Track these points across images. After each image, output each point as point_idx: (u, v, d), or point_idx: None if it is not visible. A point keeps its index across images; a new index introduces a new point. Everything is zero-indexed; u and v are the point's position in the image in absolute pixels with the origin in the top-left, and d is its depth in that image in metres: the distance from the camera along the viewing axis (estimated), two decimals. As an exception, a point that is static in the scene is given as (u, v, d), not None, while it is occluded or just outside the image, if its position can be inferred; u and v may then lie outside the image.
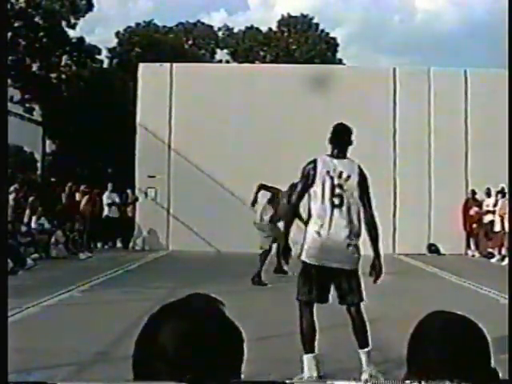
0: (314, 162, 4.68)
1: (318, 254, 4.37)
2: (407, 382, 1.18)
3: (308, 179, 4.55)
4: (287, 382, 0.97)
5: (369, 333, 4.56)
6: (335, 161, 4.71)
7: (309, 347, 4.39)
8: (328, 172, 4.51)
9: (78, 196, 15.62)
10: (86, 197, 15.43)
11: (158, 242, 15.66)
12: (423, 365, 1.16)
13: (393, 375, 4.18)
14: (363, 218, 4.51)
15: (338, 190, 4.43)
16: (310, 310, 4.58)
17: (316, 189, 4.46)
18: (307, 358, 4.35)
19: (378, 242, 4.68)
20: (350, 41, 49.48)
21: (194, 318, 1.02)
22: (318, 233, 4.38)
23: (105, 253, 14.84)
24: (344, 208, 4.38)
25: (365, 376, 4.23)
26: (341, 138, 5.04)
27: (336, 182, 4.45)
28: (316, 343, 4.44)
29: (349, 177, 4.53)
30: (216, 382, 0.98)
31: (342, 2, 51.73)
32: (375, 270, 4.66)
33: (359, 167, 4.70)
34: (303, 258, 4.51)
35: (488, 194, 14.76)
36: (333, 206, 4.38)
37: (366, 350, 4.40)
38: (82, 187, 15.68)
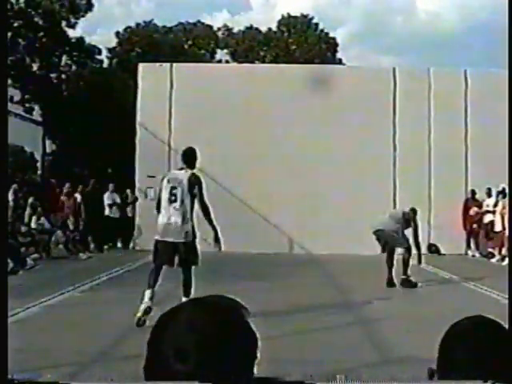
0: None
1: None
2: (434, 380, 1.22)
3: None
4: (286, 382, 0.97)
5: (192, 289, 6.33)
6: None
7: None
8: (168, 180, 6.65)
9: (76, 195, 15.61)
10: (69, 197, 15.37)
11: (157, 242, 15.64)
12: (455, 365, 1.20)
13: (393, 375, 4.17)
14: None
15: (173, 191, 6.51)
16: (158, 271, 6.51)
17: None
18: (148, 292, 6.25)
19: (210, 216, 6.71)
20: (351, 41, 49.45)
21: (212, 319, 1.01)
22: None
23: (105, 253, 14.84)
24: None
25: None
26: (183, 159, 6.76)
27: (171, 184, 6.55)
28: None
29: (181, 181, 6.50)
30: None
31: (344, 3, 51.73)
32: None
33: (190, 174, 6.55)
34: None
35: (488, 195, 14.76)
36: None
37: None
38: (66, 186, 15.47)
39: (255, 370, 1.05)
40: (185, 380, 0.95)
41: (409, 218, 9.88)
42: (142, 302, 6.15)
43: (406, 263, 9.60)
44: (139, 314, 5.98)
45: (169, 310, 1.05)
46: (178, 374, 0.96)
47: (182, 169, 6.67)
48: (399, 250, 9.74)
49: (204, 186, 6.63)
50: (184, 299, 5.46)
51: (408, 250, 9.62)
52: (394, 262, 9.70)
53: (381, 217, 10.08)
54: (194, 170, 6.63)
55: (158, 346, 1.00)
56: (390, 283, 9.49)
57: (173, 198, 6.51)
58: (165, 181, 6.65)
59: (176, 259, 6.46)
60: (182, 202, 6.49)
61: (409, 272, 9.57)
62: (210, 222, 6.74)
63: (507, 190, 13.72)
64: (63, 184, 16.05)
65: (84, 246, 14.47)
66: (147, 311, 6.03)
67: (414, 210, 10.09)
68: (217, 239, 6.75)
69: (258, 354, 1.05)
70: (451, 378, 1.17)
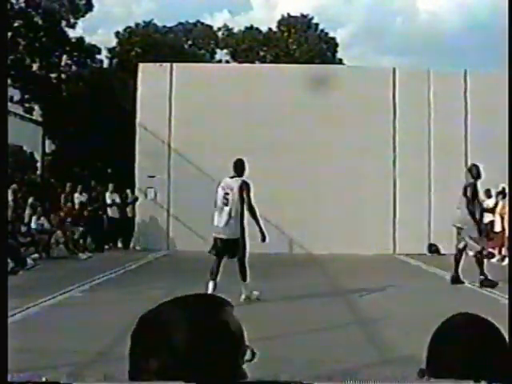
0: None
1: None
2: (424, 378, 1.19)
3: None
4: (286, 382, 0.96)
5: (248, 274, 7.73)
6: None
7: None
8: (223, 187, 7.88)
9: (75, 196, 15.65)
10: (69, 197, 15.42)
11: (158, 242, 15.64)
12: (444, 364, 1.18)
13: (393, 375, 4.17)
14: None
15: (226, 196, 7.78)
16: (218, 264, 7.83)
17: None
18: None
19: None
20: (352, 41, 49.40)
21: (195, 316, 1.01)
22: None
23: (105, 253, 14.84)
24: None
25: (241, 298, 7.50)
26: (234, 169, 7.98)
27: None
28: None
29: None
30: (217, 382, 0.98)
31: (345, 3, 51.67)
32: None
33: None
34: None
35: (488, 195, 14.73)
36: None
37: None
38: (67, 186, 15.51)
39: (246, 367, 1.04)
40: (167, 379, 0.95)
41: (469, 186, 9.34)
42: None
43: (480, 262, 9.45)
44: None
45: (148, 311, 1.05)
46: (153, 374, 0.96)
47: (232, 177, 7.90)
48: (470, 252, 9.58)
49: (252, 191, 7.82)
50: (242, 283, 7.72)
51: (480, 249, 9.47)
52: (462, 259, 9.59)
53: (458, 211, 9.68)
54: (243, 178, 7.86)
55: (134, 347, 1.01)
56: (456, 280, 9.38)
57: (225, 201, 7.76)
58: (219, 187, 7.93)
59: (228, 253, 7.86)
60: (233, 205, 7.72)
61: (485, 271, 9.41)
62: (257, 221, 7.80)
63: (507, 190, 13.72)
64: (63, 184, 16.06)
65: (84, 246, 14.50)
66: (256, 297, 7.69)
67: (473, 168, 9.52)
68: (262, 233, 7.77)
69: (250, 351, 1.04)
70: (441, 376, 1.16)
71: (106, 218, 15.94)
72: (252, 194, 7.81)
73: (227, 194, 7.79)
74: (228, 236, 7.75)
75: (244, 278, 7.77)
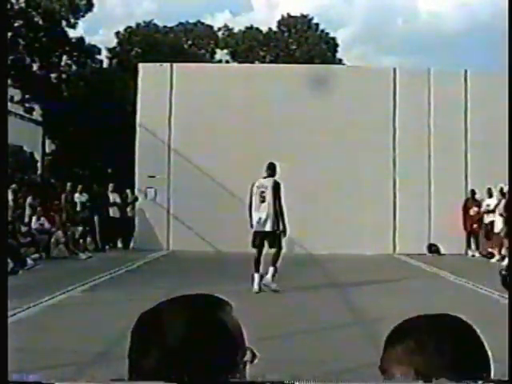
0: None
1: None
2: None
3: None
4: (285, 382, 0.96)
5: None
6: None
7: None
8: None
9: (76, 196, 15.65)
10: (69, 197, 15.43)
11: (158, 242, 15.64)
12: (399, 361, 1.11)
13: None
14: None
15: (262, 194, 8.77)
16: (259, 256, 8.79)
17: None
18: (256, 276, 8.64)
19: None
20: (353, 41, 49.42)
21: (193, 316, 1.01)
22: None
23: (105, 253, 14.84)
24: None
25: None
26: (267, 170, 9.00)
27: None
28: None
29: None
30: (214, 382, 0.98)
31: (346, 3, 51.68)
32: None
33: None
34: None
35: (489, 194, 14.74)
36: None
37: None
38: (68, 185, 15.54)
39: (248, 368, 1.04)
40: (165, 379, 0.95)
41: None
42: (254, 284, 8.62)
43: None
44: (256, 290, 8.56)
45: (147, 310, 1.04)
46: (152, 373, 0.96)
47: (265, 177, 8.88)
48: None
49: (282, 190, 8.84)
50: (271, 268, 8.71)
51: None
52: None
53: None
54: (275, 178, 8.88)
55: (133, 346, 1.01)
56: None
57: (262, 199, 8.74)
58: (254, 187, 8.88)
59: (266, 244, 8.82)
60: (269, 201, 8.70)
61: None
62: (283, 217, 8.76)
63: (505, 190, 13.72)
64: (63, 184, 16.06)
65: (84, 246, 14.50)
66: (261, 288, 8.61)
67: None
68: (284, 228, 8.76)
69: (250, 353, 1.04)
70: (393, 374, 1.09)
71: (106, 218, 15.93)
72: (282, 193, 8.87)
73: (263, 192, 8.77)
74: (267, 229, 8.70)
75: (274, 263, 8.74)
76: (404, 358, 1.07)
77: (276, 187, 8.76)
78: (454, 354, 1.03)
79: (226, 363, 1.00)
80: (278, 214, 8.70)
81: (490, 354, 1.08)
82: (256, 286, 8.61)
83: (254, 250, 8.87)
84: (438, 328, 1.11)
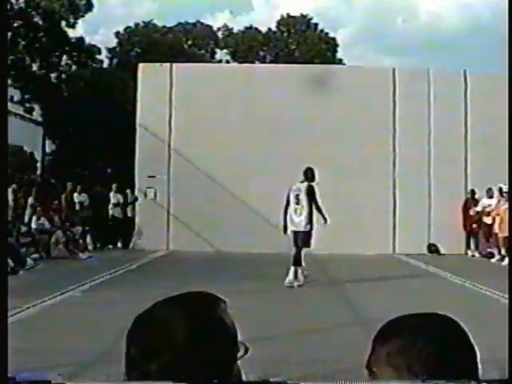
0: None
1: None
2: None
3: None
4: (288, 382, 0.96)
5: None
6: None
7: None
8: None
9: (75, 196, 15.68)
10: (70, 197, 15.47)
11: (158, 242, 15.63)
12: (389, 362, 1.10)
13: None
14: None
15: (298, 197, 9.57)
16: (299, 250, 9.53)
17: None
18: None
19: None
20: (353, 42, 49.34)
21: (187, 314, 1.01)
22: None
23: (105, 253, 14.84)
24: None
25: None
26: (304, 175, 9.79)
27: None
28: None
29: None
30: (209, 381, 0.98)
31: (346, 4, 51.66)
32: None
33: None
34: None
35: (489, 195, 14.73)
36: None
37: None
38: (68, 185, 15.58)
39: (242, 368, 1.04)
40: (163, 378, 0.95)
41: None
42: (296, 278, 9.33)
43: None
44: (300, 283, 9.27)
45: (143, 311, 1.04)
46: (152, 374, 0.96)
47: (302, 182, 9.67)
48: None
49: (317, 193, 9.63)
50: (292, 267, 9.35)
51: None
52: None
53: None
54: (310, 183, 9.62)
55: (131, 347, 1.01)
56: None
57: (297, 201, 9.51)
58: (291, 191, 9.66)
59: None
60: (303, 204, 9.47)
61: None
62: (322, 214, 9.62)
63: (504, 189, 13.71)
64: (63, 184, 16.06)
65: (84, 246, 14.50)
66: (307, 281, 9.37)
67: None
68: (324, 218, 9.63)
69: (243, 349, 1.04)
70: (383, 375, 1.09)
71: (105, 218, 15.95)
72: (318, 195, 9.63)
73: (298, 195, 9.54)
74: (300, 229, 9.48)
75: (295, 264, 9.43)
76: (390, 358, 1.07)
77: (309, 190, 9.52)
78: (441, 353, 1.03)
79: (224, 360, 1.00)
80: (311, 215, 9.47)
81: (478, 353, 1.06)
82: (302, 279, 9.37)
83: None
84: (425, 327, 1.11)
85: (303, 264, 9.52)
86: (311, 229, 9.54)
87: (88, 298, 8.05)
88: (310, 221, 9.49)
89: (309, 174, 9.78)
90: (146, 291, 8.11)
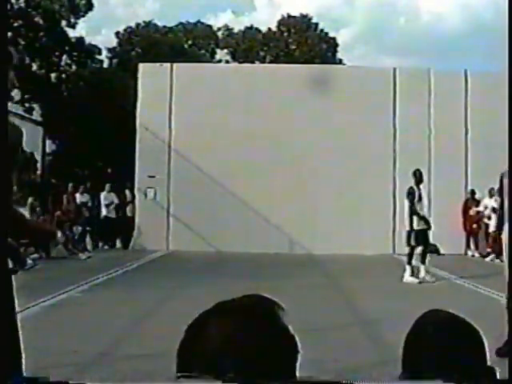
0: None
1: None
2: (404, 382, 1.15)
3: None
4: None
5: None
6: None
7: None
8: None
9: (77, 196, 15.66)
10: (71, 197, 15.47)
11: (158, 242, 15.63)
12: (418, 365, 1.14)
13: (392, 375, 4.17)
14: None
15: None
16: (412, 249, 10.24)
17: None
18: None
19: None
20: (355, 42, 49.38)
21: (243, 319, 0.99)
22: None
23: (105, 253, 14.84)
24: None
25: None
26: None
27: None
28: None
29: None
30: None
31: (347, 4, 51.68)
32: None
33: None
34: None
35: (490, 195, 14.71)
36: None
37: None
38: (69, 186, 15.60)
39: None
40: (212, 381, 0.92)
41: None
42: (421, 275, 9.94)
43: None
44: (419, 280, 9.76)
45: (196, 319, 1.00)
46: (207, 374, 0.93)
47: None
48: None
49: (420, 195, 10.15)
50: (421, 266, 10.00)
51: None
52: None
53: None
54: (419, 185, 10.23)
55: (188, 359, 0.96)
56: None
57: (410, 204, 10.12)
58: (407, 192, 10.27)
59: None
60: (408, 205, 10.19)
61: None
62: (418, 216, 10.06)
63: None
64: (64, 184, 16.04)
65: (84, 246, 14.50)
66: (416, 276, 9.87)
67: None
68: (410, 225, 10.16)
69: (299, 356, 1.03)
70: (420, 377, 1.13)
71: (99, 218, 15.95)
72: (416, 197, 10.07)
73: (408, 196, 10.15)
74: (407, 228, 10.16)
75: (423, 261, 10.10)
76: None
77: (408, 193, 10.11)
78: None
79: (293, 369, 1.02)
80: (412, 215, 9.95)
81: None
82: (422, 274, 9.93)
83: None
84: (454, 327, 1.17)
85: (426, 262, 10.12)
86: (412, 228, 10.03)
87: (88, 298, 8.05)
88: (411, 220, 10.00)
89: (417, 175, 10.28)
90: (146, 291, 8.13)
